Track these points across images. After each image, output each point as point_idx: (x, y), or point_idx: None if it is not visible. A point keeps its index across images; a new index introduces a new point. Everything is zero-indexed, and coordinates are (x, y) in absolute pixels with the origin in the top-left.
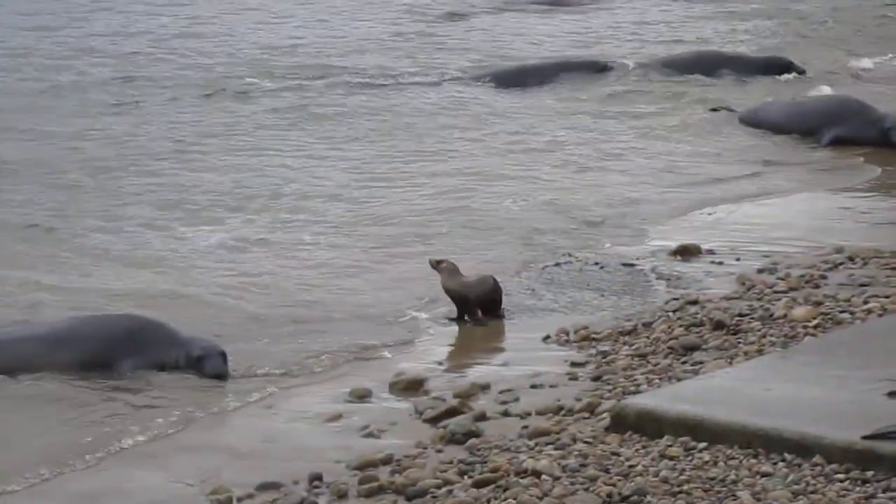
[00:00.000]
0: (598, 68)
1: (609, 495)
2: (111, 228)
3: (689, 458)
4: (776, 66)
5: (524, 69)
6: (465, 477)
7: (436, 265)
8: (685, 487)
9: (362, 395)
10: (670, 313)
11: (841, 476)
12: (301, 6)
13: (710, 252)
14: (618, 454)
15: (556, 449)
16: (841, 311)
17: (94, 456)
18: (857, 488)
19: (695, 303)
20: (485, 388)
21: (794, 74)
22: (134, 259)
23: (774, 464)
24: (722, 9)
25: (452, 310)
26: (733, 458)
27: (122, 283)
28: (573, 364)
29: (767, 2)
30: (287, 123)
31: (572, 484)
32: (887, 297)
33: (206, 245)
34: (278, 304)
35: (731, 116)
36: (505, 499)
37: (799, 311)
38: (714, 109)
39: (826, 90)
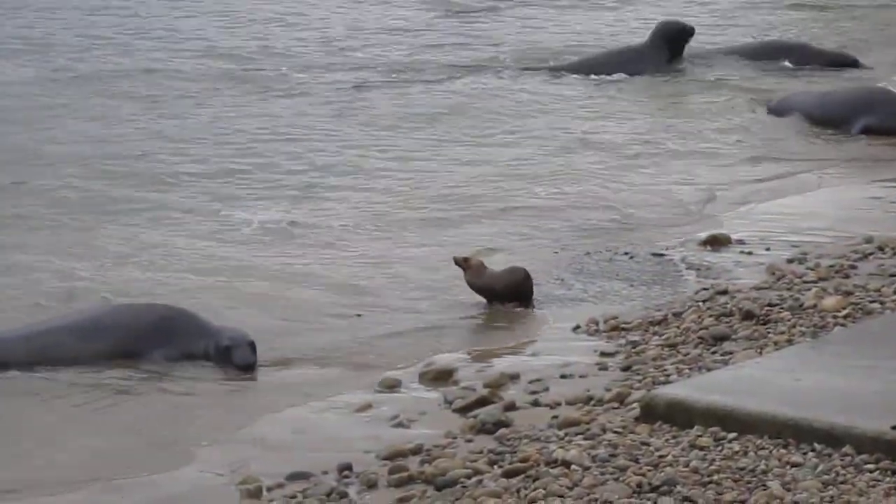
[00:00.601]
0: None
1: (639, 485)
2: (151, 216)
3: (719, 448)
4: (842, 62)
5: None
6: (495, 467)
7: (462, 262)
8: (715, 477)
9: (392, 385)
10: (700, 303)
11: (871, 466)
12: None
13: (740, 242)
14: (648, 444)
15: (585, 439)
16: (871, 301)
17: (122, 447)
18: (887, 478)
19: (724, 293)
20: (514, 377)
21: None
22: (175, 246)
23: (804, 454)
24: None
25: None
26: (763, 449)
27: (162, 270)
28: (603, 354)
29: None
30: (326, 114)
31: (602, 474)
32: None
33: (249, 232)
34: (316, 292)
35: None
36: (535, 489)
37: (829, 301)
38: (754, 101)
39: None
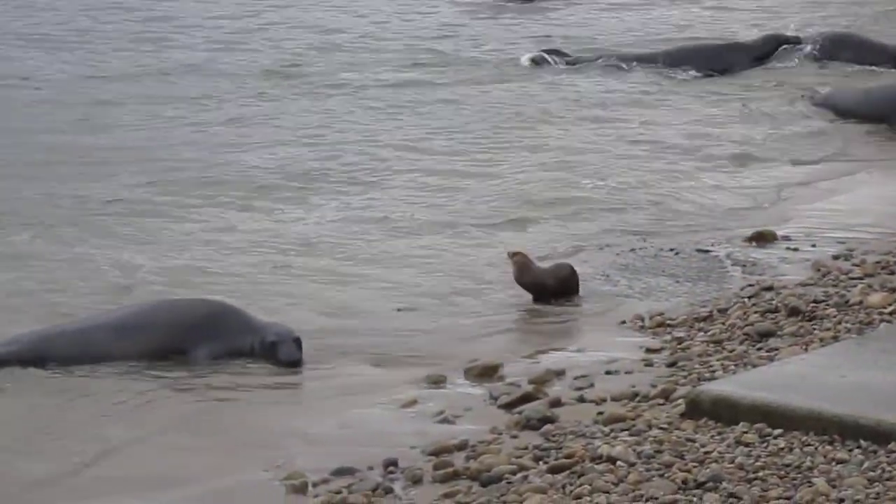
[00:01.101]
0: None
1: (684, 481)
2: (205, 210)
3: (765, 444)
4: None
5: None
6: (541, 463)
7: (511, 257)
8: (760, 474)
9: (437, 381)
10: (745, 299)
11: None
12: None
13: (786, 238)
14: (693, 440)
15: (631, 435)
16: None
17: (166, 444)
18: None
19: (770, 289)
20: (560, 374)
21: None
22: (226, 241)
23: (850, 450)
24: None
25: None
26: (809, 445)
27: (215, 264)
28: (648, 350)
29: None
30: (375, 111)
31: (647, 470)
32: None
33: (302, 228)
34: (364, 289)
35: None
36: (580, 485)
37: (874, 298)
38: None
39: None
